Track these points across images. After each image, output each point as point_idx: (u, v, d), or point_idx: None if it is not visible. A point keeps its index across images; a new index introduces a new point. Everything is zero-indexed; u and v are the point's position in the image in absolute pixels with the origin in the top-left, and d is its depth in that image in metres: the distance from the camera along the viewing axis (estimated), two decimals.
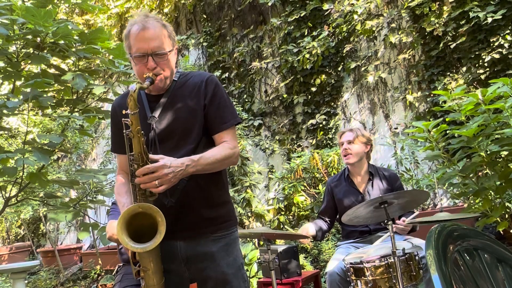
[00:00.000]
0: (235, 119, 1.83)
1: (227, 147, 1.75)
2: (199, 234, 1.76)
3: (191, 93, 1.81)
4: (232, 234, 1.84)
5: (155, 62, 1.72)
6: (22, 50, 2.83)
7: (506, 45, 4.40)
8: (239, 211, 5.48)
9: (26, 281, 5.82)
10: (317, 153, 5.24)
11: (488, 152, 2.81)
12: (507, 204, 3.11)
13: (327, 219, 3.14)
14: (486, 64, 4.55)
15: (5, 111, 2.68)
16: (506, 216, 3.19)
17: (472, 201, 3.24)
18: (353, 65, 5.53)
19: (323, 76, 5.75)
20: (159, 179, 1.55)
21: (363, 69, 5.50)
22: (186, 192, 1.74)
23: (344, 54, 5.61)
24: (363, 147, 3.06)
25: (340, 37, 5.61)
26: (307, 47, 5.59)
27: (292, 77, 5.97)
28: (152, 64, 1.72)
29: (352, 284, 2.50)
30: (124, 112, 1.61)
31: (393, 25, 5.32)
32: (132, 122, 1.59)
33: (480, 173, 3.18)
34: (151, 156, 1.61)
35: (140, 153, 1.59)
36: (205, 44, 6.90)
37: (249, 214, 5.56)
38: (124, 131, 1.62)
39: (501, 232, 3.82)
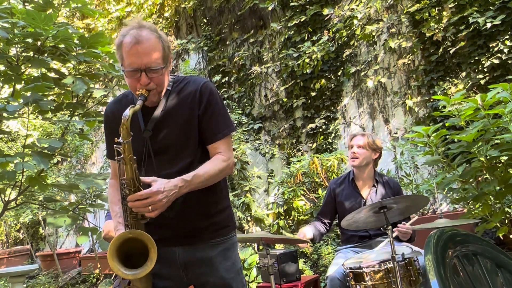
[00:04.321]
0: (228, 128, 1.77)
1: (220, 160, 1.71)
2: (197, 240, 1.75)
3: (186, 104, 1.75)
4: (231, 239, 1.83)
5: (149, 77, 1.64)
6: (23, 53, 2.83)
7: (505, 50, 4.41)
8: (239, 215, 5.47)
9: (25, 285, 5.80)
10: (317, 157, 5.24)
11: (488, 157, 2.81)
12: (506, 209, 3.12)
13: (325, 221, 3.12)
14: (485, 69, 4.55)
15: (5, 115, 2.68)
16: (506, 221, 3.19)
17: (471, 206, 3.24)
18: (353, 69, 5.54)
19: (323, 80, 5.76)
20: (152, 205, 1.52)
21: (362, 73, 5.51)
22: (186, 204, 1.71)
23: (344, 59, 5.62)
24: (372, 154, 3.04)
25: (340, 42, 5.62)
26: (307, 52, 5.60)
27: (292, 82, 5.97)
28: (145, 80, 1.64)
29: None
30: (116, 140, 1.58)
31: (393, 30, 5.33)
32: (124, 150, 1.55)
33: (479, 178, 3.17)
34: (143, 179, 1.57)
35: (132, 179, 1.56)
36: (205, 48, 6.91)
37: (249, 218, 5.55)
38: (116, 157, 1.60)
39: (501, 238, 3.81)
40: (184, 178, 1.60)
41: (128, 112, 1.56)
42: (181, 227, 1.73)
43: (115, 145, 1.59)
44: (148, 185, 1.56)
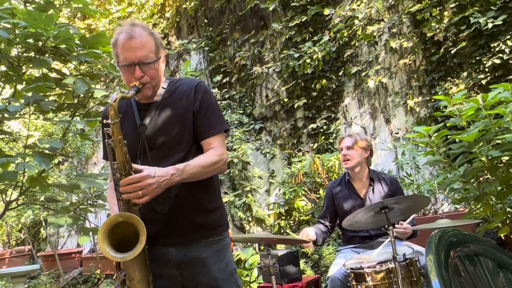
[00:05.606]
0: (222, 126, 1.82)
1: (214, 154, 1.74)
2: (190, 239, 1.77)
3: (181, 101, 1.80)
4: (224, 239, 1.85)
5: (142, 71, 1.71)
6: (24, 54, 2.83)
7: (507, 50, 4.40)
8: (240, 216, 5.47)
9: (26, 285, 5.81)
10: (318, 157, 5.24)
11: (489, 157, 2.81)
12: (508, 209, 3.11)
13: (327, 224, 3.12)
14: (487, 69, 4.55)
15: (6, 115, 2.68)
16: (507, 221, 3.18)
17: (473, 207, 3.24)
18: (354, 70, 5.54)
19: (324, 80, 5.76)
20: (142, 189, 1.53)
21: (363, 74, 5.50)
22: (178, 199, 1.73)
23: (345, 59, 5.61)
24: (363, 153, 3.04)
25: (341, 42, 5.62)
26: (308, 52, 5.60)
27: (293, 82, 5.97)
28: (139, 74, 1.71)
29: None
30: (105, 121, 1.60)
31: (394, 30, 5.32)
32: (113, 131, 1.57)
33: (481, 178, 3.17)
34: (135, 166, 1.59)
35: (123, 162, 1.58)
36: (206, 48, 6.91)
37: (250, 218, 5.55)
38: (106, 140, 1.61)
39: (503, 238, 3.81)
40: (176, 166, 1.64)
41: (115, 95, 1.60)
42: (173, 223, 1.74)
43: (104, 128, 1.60)
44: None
